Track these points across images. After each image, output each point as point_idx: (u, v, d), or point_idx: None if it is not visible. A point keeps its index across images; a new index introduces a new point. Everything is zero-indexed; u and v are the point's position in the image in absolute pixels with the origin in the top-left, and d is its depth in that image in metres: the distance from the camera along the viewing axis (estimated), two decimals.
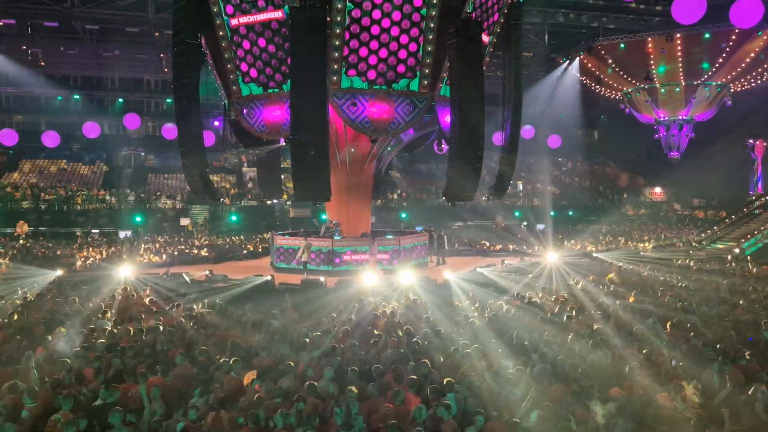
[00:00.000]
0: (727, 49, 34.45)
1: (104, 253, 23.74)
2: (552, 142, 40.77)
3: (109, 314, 11.79)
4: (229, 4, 17.75)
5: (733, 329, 10.34)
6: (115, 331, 10.56)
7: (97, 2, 33.05)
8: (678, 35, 34.21)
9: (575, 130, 47.88)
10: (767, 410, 6.88)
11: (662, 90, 38.92)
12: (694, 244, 27.70)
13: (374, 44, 17.36)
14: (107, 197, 35.57)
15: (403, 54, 17.66)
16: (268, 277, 17.44)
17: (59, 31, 37.62)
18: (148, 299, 13.74)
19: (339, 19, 16.83)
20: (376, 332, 10.35)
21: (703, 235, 29.57)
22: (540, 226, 36.64)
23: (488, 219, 37.92)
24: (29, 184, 36.60)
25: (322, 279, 17.32)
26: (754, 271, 18.63)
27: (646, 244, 27.29)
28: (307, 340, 9.86)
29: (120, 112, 40.62)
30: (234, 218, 35.13)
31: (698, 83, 37.63)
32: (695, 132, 41.15)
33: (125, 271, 16.52)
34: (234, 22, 17.95)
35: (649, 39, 35.45)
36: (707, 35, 33.84)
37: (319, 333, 10.28)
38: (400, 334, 10.22)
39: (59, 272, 17.71)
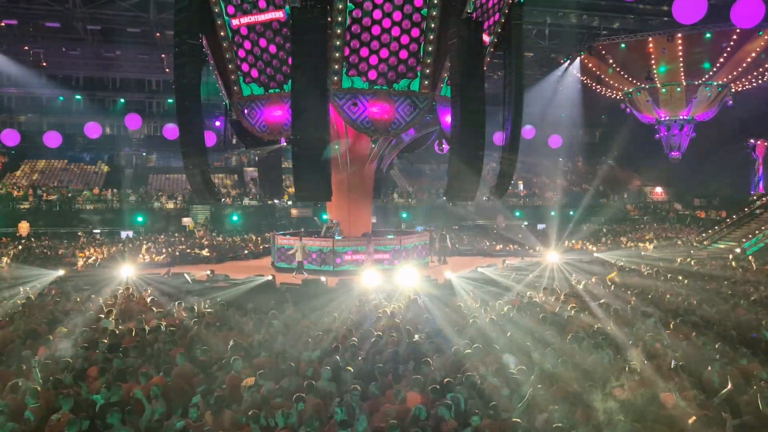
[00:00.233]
0: (728, 49, 34.42)
1: (106, 253, 23.77)
2: (553, 142, 40.75)
3: (110, 314, 11.81)
4: (230, 4, 17.78)
5: (734, 329, 10.35)
6: (117, 331, 10.58)
7: (98, 3, 33.08)
8: (679, 35, 34.19)
9: (576, 130, 47.87)
10: None
11: (663, 90, 38.90)
12: (695, 244, 27.69)
13: (375, 44, 17.38)
14: (109, 197, 35.61)
15: (403, 54, 17.68)
16: (269, 277, 17.48)
17: (61, 31, 37.64)
18: (149, 299, 13.77)
19: (340, 19, 16.86)
20: (376, 332, 10.36)
21: (704, 235, 29.56)
22: (541, 226, 36.67)
23: (489, 219, 37.95)
24: (31, 185, 36.66)
25: (323, 279, 17.36)
26: (755, 269, 18.63)
27: (647, 244, 27.28)
28: (309, 339, 9.88)
29: (121, 113, 40.64)
30: (235, 218, 35.17)
31: (699, 83, 37.60)
32: (696, 132, 41.12)
33: (127, 271, 16.56)
34: (235, 22, 17.98)
35: (650, 39, 35.44)
36: (708, 35, 33.82)
37: (320, 333, 10.30)
38: (401, 333, 10.23)
39: (61, 272, 17.75)
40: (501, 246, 27.77)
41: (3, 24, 35.67)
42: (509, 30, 20.17)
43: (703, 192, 43.55)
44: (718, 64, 35.75)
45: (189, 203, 35.46)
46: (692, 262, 20.01)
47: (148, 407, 7.10)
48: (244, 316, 12.07)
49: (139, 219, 33.51)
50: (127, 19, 35.56)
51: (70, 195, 34.82)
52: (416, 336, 10.04)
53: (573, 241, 28.43)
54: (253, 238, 30.12)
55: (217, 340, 10.08)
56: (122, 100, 44.58)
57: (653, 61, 36.61)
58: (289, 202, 35.33)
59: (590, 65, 39.60)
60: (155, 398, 7.26)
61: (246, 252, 25.67)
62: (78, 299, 13.35)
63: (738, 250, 24.28)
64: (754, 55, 34.70)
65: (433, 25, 17.38)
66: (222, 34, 18.32)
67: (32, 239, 28.56)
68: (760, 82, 37.75)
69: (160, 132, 39.66)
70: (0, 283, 15.83)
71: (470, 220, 37.13)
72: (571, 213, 38.99)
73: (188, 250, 25.38)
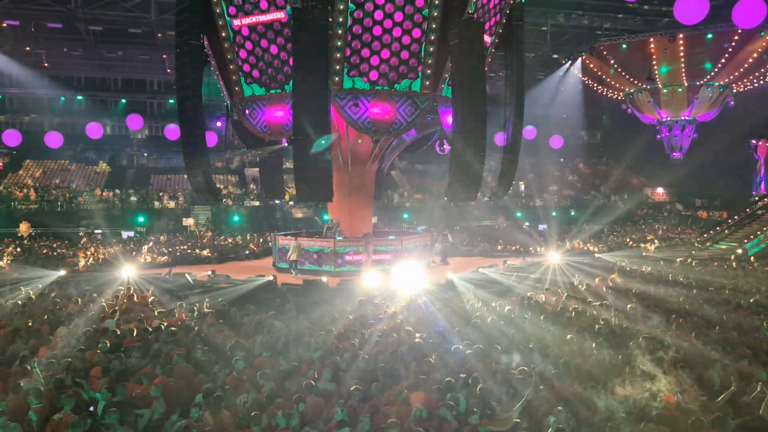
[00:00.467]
0: (730, 50, 34.41)
1: (107, 254, 23.79)
2: (554, 142, 40.73)
3: (112, 314, 11.81)
4: (231, 5, 17.80)
5: (735, 329, 10.34)
6: (118, 331, 10.59)
7: (100, 4, 33.16)
8: (680, 35, 34.19)
9: (577, 130, 47.86)
10: None
11: (664, 90, 38.88)
12: (696, 244, 27.67)
13: (376, 45, 17.38)
14: (110, 198, 35.65)
15: (405, 54, 17.68)
16: (271, 278, 17.49)
17: (63, 32, 37.78)
18: (150, 299, 13.78)
19: (341, 19, 16.87)
20: (378, 332, 10.36)
21: (705, 235, 29.54)
22: (542, 227, 36.65)
23: (490, 219, 37.95)
24: (33, 185, 36.72)
25: (324, 279, 17.35)
26: (757, 270, 18.60)
27: (649, 244, 27.26)
28: (310, 340, 9.88)
29: (123, 113, 40.75)
30: (236, 218, 35.19)
31: (701, 84, 37.59)
32: (697, 132, 41.10)
33: (128, 272, 16.56)
34: (236, 23, 18.00)
35: (652, 39, 35.44)
36: (710, 35, 33.82)
37: (321, 333, 10.30)
38: (402, 334, 10.23)
39: (62, 272, 17.76)
40: (502, 246, 27.74)
41: (5, 25, 35.76)
42: (510, 30, 20.18)
43: (704, 193, 43.50)
44: (719, 65, 35.74)
45: (190, 203, 35.50)
46: (693, 263, 19.99)
47: (147, 408, 7.10)
48: (245, 316, 12.07)
49: (141, 219, 33.54)
50: (128, 20, 35.68)
51: (71, 195, 34.86)
52: (417, 336, 10.04)
53: (574, 242, 28.41)
54: (254, 238, 30.15)
55: (218, 341, 10.08)
56: (124, 101, 44.66)
57: (654, 62, 36.61)
58: (291, 203, 35.34)
59: (591, 66, 39.60)
60: (155, 398, 7.26)
61: (247, 252, 25.69)
62: (79, 299, 13.36)
63: (739, 251, 24.26)
64: (755, 55, 34.69)
65: (434, 26, 17.38)
66: (223, 34, 18.34)
67: (34, 239, 28.61)
68: (761, 82, 37.73)
69: (161, 132, 39.66)
70: (1, 283, 15.84)
71: (471, 221, 37.12)
72: (573, 213, 39.02)
73: (189, 251, 25.40)
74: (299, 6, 15.92)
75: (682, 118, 40.09)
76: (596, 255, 22.94)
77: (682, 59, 35.73)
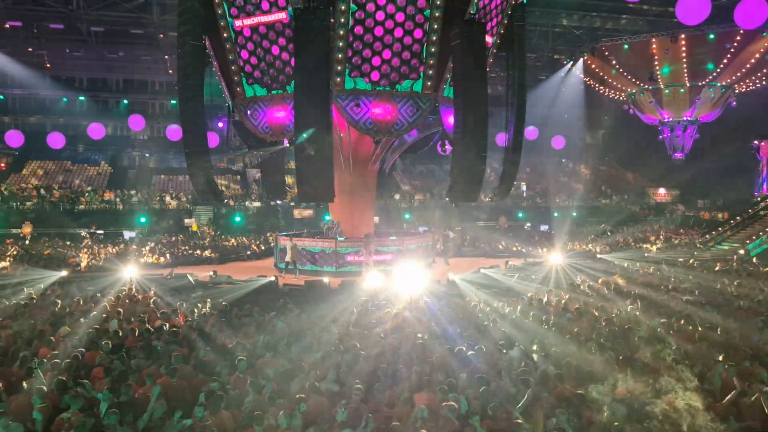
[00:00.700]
0: (732, 50, 34.37)
1: (109, 254, 23.83)
2: (556, 143, 40.71)
3: (114, 315, 11.83)
4: (233, 6, 17.82)
5: (737, 331, 10.31)
6: (120, 332, 10.60)
7: (102, 4, 33.20)
8: (682, 36, 34.16)
9: (579, 131, 47.79)
10: None
11: (666, 91, 38.83)
12: (698, 245, 27.62)
13: (378, 45, 17.39)
14: (112, 198, 35.70)
15: (406, 55, 17.68)
16: (272, 278, 17.51)
17: (65, 33, 37.79)
18: (152, 300, 13.79)
19: (342, 20, 16.88)
20: (379, 332, 10.36)
21: (707, 236, 29.49)
22: (544, 227, 36.63)
23: (492, 219, 37.93)
24: (35, 185, 36.77)
25: (325, 280, 17.35)
26: (759, 271, 18.57)
27: (651, 245, 27.22)
28: (312, 340, 9.88)
29: (125, 114, 40.80)
30: (238, 219, 35.23)
31: (703, 84, 37.54)
32: (699, 133, 41.04)
33: (130, 272, 16.59)
34: (238, 24, 18.02)
35: (654, 40, 35.40)
36: (712, 36, 33.78)
37: (323, 333, 10.30)
38: (404, 334, 10.22)
39: (64, 272, 17.80)
40: (504, 247, 27.73)
41: (7, 26, 35.80)
42: (512, 31, 20.18)
43: (706, 193, 43.43)
44: (721, 65, 35.69)
45: (192, 204, 35.53)
46: (696, 264, 19.96)
47: (151, 407, 7.09)
48: (247, 317, 12.07)
49: (142, 220, 33.58)
50: (130, 21, 35.71)
51: (73, 196, 34.91)
52: (419, 336, 10.03)
53: (576, 242, 28.39)
54: (256, 239, 30.18)
55: (219, 341, 10.09)
56: (125, 101, 44.70)
57: (656, 62, 36.57)
58: (292, 203, 35.37)
59: (593, 66, 39.57)
60: (157, 398, 7.26)
61: (248, 253, 25.71)
62: (81, 300, 13.37)
63: (742, 252, 24.21)
64: (757, 56, 34.64)
65: (435, 26, 17.39)
66: (225, 35, 18.36)
67: (36, 240, 28.66)
68: (763, 83, 37.67)
69: (163, 133, 39.77)
70: (3, 283, 15.87)
71: (472, 221, 37.09)
72: (574, 214, 38.98)
73: (191, 251, 25.42)
74: (301, 7, 15.94)
75: (684, 118, 40.04)
76: (598, 256, 22.91)
77: (684, 60, 35.68)
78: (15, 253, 23.65)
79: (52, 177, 39.54)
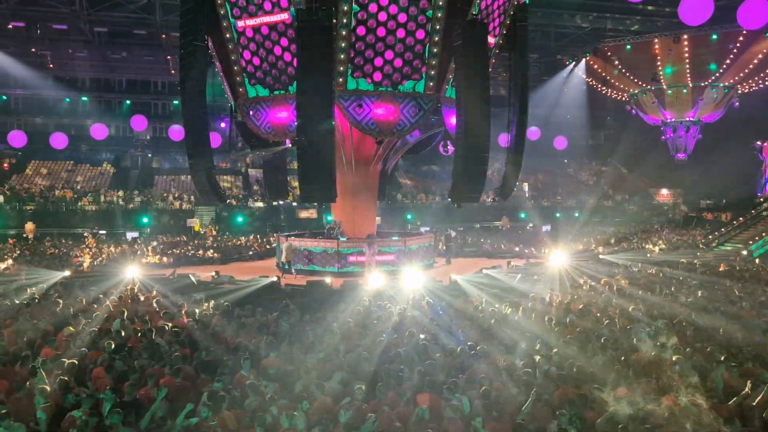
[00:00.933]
0: (735, 51, 34.31)
1: (111, 254, 23.87)
2: (558, 143, 40.70)
3: (117, 315, 11.85)
4: (235, 6, 17.85)
5: (740, 332, 10.29)
6: (123, 332, 10.61)
7: (105, 5, 33.29)
8: (685, 36, 34.10)
9: (581, 131, 47.77)
10: None
11: (669, 91, 38.78)
12: (701, 246, 27.58)
13: (380, 46, 17.40)
14: (114, 198, 35.77)
15: (408, 56, 17.69)
16: (274, 278, 17.52)
17: (68, 33, 37.87)
18: (155, 300, 13.81)
19: (345, 21, 16.89)
20: (382, 333, 10.36)
21: (710, 237, 29.45)
22: (546, 227, 36.60)
23: (494, 220, 37.92)
24: (37, 186, 36.86)
25: (327, 280, 17.36)
26: (762, 272, 18.53)
27: (653, 245, 27.18)
28: (314, 341, 9.88)
29: (127, 114, 40.88)
30: (240, 219, 35.27)
31: (705, 84, 37.49)
32: (702, 133, 40.97)
33: (132, 272, 16.62)
34: (240, 24, 18.04)
35: (656, 40, 35.36)
36: (714, 36, 33.72)
37: (325, 334, 10.30)
38: (407, 334, 10.22)
39: (67, 273, 17.83)
40: (506, 247, 27.71)
41: (11, 26, 35.91)
42: (514, 31, 20.17)
43: (709, 194, 43.36)
44: (724, 66, 35.64)
45: (195, 204, 35.59)
46: (698, 264, 19.92)
47: (153, 407, 7.10)
48: (249, 317, 12.08)
49: (145, 220, 33.64)
50: (133, 21, 35.83)
51: (76, 196, 34.98)
52: (422, 337, 10.04)
53: (578, 243, 28.37)
54: (258, 239, 30.21)
55: (222, 342, 10.10)
56: (128, 102, 44.78)
57: (659, 63, 36.51)
58: (294, 204, 35.41)
59: (596, 67, 39.52)
60: (159, 399, 7.27)
61: (251, 253, 25.73)
62: (84, 300, 13.40)
63: (744, 253, 24.17)
64: (760, 56, 34.58)
65: (438, 27, 17.39)
66: (227, 36, 18.38)
67: (39, 240, 28.73)
68: (766, 83, 37.59)
69: (165, 133, 39.85)
70: (6, 283, 15.91)
71: (475, 222, 37.09)
72: (577, 215, 38.94)
73: (193, 251, 25.46)
74: (303, 7, 15.95)
75: (687, 119, 39.98)
76: (600, 256, 22.88)
77: (687, 60, 35.63)
78: (17, 253, 23.70)
79: (55, 177, 39.61)
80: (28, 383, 7.56)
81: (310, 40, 15.80)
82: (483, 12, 18.06)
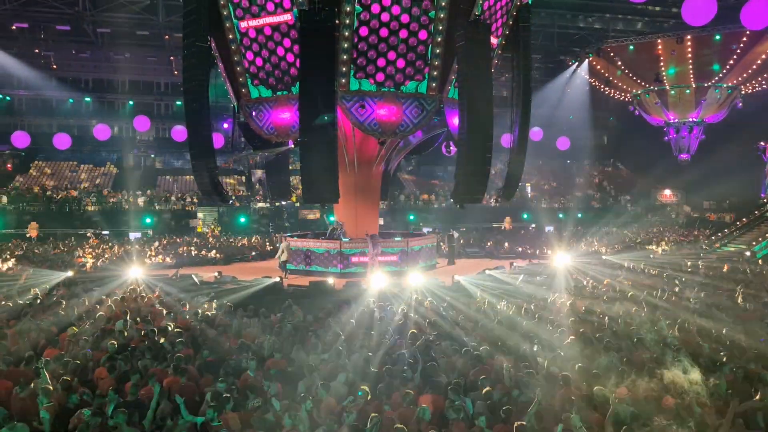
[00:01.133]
0: (738, 51, 34.20)
1: (114, 255, 23.91)
2: (561, 144, 40.64)
3: (120, 315, 11.86)
4: (238, 7, 17.86)
5: (743, 333, 10.27)
6: (126, 332, 10.63)
7: (108, 6, 33.37)
8: (688, 37, 34.00)
9: (584, 132, 47.69)
10: None
11: (672, 92, 38.69)
12: (704, 246, 27.51)
13: (383, 47, 17.40)
14: (117, 199, 35.84)
15: (411, 56, 17.68)
16: (277, 279, 17.53)
17: (71, 34, 38.01)
18: (158, 300, 13.83)
19: (347, 21, 16.89)
20: (385, 334, 10.36)
21: (713, 237, 29.38)
22: (549, 228, 36.55)
23: (497, 221, 37.90)
24: (41, 186, 36.95)
25: (330, 281, 17.36)
26: (765, 273, 18.48)
27: (656, 246, 27.13)
28: (317, 341, 9.89)
29: (130, 115, 40.93)
30: (243, 220, 35.30)
31: (709, 85, 37.37)
32: (705, 134, 40.86)
33: (135, 272, 16.65)
34: (243, 25, 18.06)
35: (659, 41, 35.27)
36: (718, 37, 33.62)
37: (327, 334, 10.31)
38: (410, 335, 10.22)
39: (70, 273, 17.86)
40: (509, 248, 27.68)
41: (14, 27, 36.02)
42: (517, 32, 20.15)
43: (712, 195, 43.23)
44: (727, 66, 35.53)
45: (197, 205, 35.64)
46: (701, 264, 19.88)
47: (153, 407, 7.11)
48: (252, 317, 12.09)
49: (147, 220, 33.70)
50: (136, 22, 35.89)
51: (79, 196, 35.06)
52: (424, 338, 10.03)
53: (581, 244, 28.32)
54: (261, 239, 30.23)
55: (224, 342, 10.11)
56: (131, 103, 44.88)
57: (662, 63, 36.43)
58: (297, 204, 35.43)
59: (598, 67, 39.45)
60: (161, 399, 7.28)
61: (253, 254, 25.74)
62: (87, 300, 13.42)
63: (748, 254, 24.11)
64: (764, 56, 34.46)
65: (440, 27, 17.37)
66: (230, 36, 18.40)
67: (42, 240, 28.80)
68: None
69: (168, 134, 39.90)
70: (10, 284, 15.95)
71: (477, 222, 37.05)
72: (579, 215, 38.89)
73: (196, 252, 25.49)
74: (306, 8, 15.97)
75: (690, 119, 39.87)
76: (603, 257, 22.85)
77: (690, 60, 35.53)
78: (21, 253, 23.76)
79: (58, 178, 39.72)
80: (31, 383, 7.58)
81: (312, 41, 15.81)
82: (486, 12, 18.04)
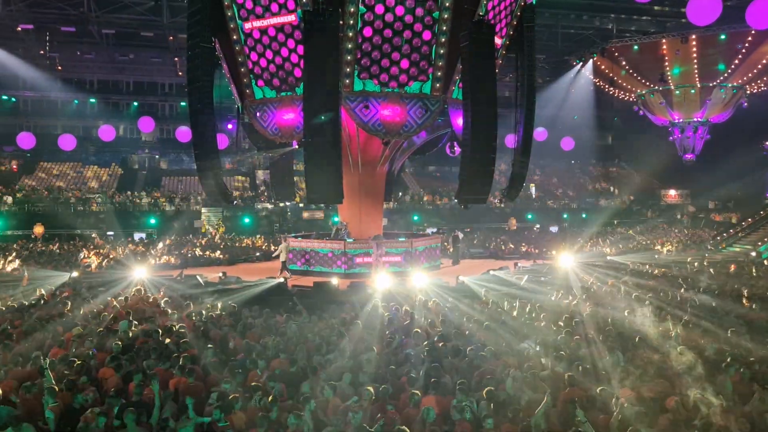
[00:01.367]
0: (743, 51, 34.08)
1: (119, 255, 23.97)
2: (565, 144, 40.55)
3: (124, 315, 11.89)
4: (242, 8, 17.89)
5: (749, 333, 10.23)
6: (130, 333, 10.65)
7: (113, 7, 33.46)
8: (693, 36, 33.91)
9: (589, 132, 47.62)
10: None
11: (677, 92, 38.56)
12: (709, 246, 27.42)
13: (387, 47, 17.40)
14: (122, 199, 35.94)
15: (415, 57, 17.68)
16: (281, 279, 17.54)
17: (76, 35, 38.13)
18: (162, 300, 13.86)
19: (351, 22, 16.90)
20: (389, 334, 10.35)
21: (719, 238, 29.28)
22: (553, 229, 36.50)
23: (501, 221, 37.85)
24: (46, 187, 37.08)
25: (334, 281, 17.36)
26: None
27: (661, 246, 27.05)
28: (321, 342, 9.89)
29: (135, 116, 41.06)
30: (247, 221, 35.35)
31: (714, 85, 37.24)
32: (710, 134, 40.71)
33: (140, 273, 16.68)
34: (248, 26, 18.09)
35: (664, 40, 35.17)
36: (723, 36, 33.51)
37: (332, 335, 10.31)
38: (414, 336, 10.21)
39: (75, 273, 17.92)
40: (513, 248, 27.64)
41: (20, 29, 36.14)
42: (521, 32, 20.11)
43: (717, 195, 43.10)
44: (732, 66, 35.40)
45: (202, 205, 35.70)
46: (707, 264, 19.81)
47: (157, 407, 7.13)
48: (256, 318, 12.10)
49: (152, 221, 33.76)
50: (140, 23, 35.98)
51: (83, 197, 35.17)
52: (429, 338, 10.02)
53: (586, 244, 28.27)
54: (265, 240, 30.26)
55: (229, 342, 10.12)
56: (135, 103, 45.02)
57: (667, 63, 36.31)
58: (301, 205, 35.46)
59: (603, 67, 39.37)
60: (166, 399, 7.30)
61: (258, 254, 25.78)
62: (91, 300, 13.46)
63: (753, 254, 24.02)
64: None
65: (444, 28, 17.36)
66: (234, 37, 18.43)
67: (47, 241, 28.90)
68: None
69: (173, 135, 40.00)
70: (14, 285, 16.01)
71: (482, 223, 37.02)
72: (584, 216, 38.83)
73: (200, 252, 25.53)
74: (310, 9, 15.98)
75: (695, 119, 39.73)
76: (608, 257, 22.79)
77: (695, 60, 35.41)
78: (26, 254, 23.85)
79: (63, 179, 39.86)
80: (37, 383, 7.60)
81: (316, 42, 15.81)
82: (490, 13, 18.01)
